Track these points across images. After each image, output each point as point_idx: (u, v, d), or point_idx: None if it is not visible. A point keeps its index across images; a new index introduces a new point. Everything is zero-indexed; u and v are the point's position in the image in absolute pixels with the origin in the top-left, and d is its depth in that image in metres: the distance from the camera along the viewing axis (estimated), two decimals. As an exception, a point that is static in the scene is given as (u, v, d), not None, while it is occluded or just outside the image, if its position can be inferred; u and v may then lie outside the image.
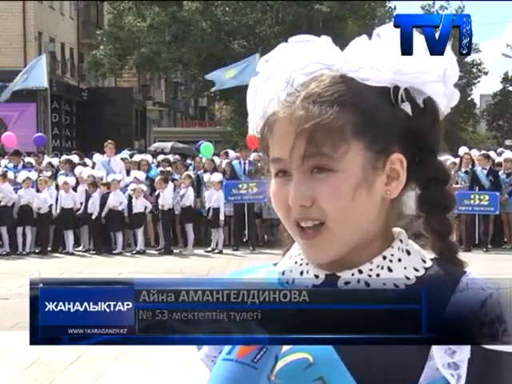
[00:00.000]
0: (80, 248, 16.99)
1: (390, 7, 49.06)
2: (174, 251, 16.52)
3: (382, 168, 1.28)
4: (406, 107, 1.29)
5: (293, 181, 1.26)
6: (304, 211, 1.26)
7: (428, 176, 1.32)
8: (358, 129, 1.25)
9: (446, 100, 1.34)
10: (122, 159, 18.44)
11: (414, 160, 1.32)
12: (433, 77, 1.30)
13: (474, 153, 18.15)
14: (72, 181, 17.01)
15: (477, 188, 16.50)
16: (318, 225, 1.26)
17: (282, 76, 1.32)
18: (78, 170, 17.67)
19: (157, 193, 16.74)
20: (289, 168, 1.27)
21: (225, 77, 23.80)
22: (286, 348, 1.24)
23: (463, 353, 1.23)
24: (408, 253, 1.33)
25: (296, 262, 1.35)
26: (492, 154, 18.66)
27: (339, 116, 1.24)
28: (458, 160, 17.44)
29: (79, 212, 16.80)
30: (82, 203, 16.83)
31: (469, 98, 64.85)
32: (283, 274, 1.36)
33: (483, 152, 17.93)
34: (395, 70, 1.28)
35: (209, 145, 19.39)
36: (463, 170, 16.88)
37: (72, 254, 16.50)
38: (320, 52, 1.32)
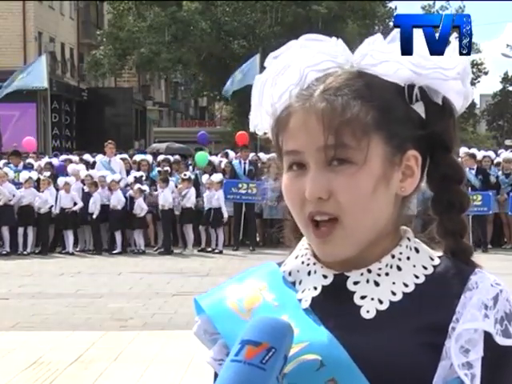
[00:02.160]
0: (78, 248, 17.02)
1: (391, 7, 49.01)
2: (175, 251, 16.54)
3: (398, 164, 1.27)
4: (419, 108, 1.29)
5: (309, 173, 1.24)
6: (320, 205, 1.24)
7: (442, 174, 1.31)
8: (378, 123, 1.24)
9: (463, 99, 1.33)
10: (121, 159, 18.45)
11: (428, 158, 1.31)
12: (453, 74, 1.29)
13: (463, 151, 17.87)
14: (72, 180, 17.00)
15: (469, 189, 16.42)
16: (333, 220, 1.24)
17: (294, 71, 1.31)
18: (70, 167, 17.64)
19: (156, 193, 16.75)
20: (305, 160, 1.25)
21: (234, 81, 23.86)
22: (297, 349, 1.23)
23: (477, 352, 1.22)
24: (416, 251, 1.31)
25: (303, 262, 1.33)
26: (491, 153, 18.63)
27: (361, 109, 1.24)
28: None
29: (70, 210, 16.73)
30: (75, 203, 16.80)
31: (469, 98, 64.75)
32: (290, 274, 1.34)
33: (468, 151, 17.68)
34: (417, 64, 1.27)
35: (203, 154, 18.69)
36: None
37: (72, 254, 16.50)
38: (333, 51, 1.31)
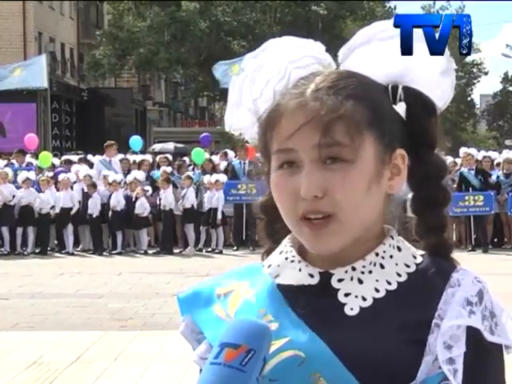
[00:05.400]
0: (78, 248, 17.02)
1: (390, 7, 49.05)
2: (174, 251, 16.55)
3: (388, 162, 1.29)
4: (401, 108, 1.30)
5: (303, 172, 1.25)
6: (314, 203, 1.24)
7: (426, 172, 1.33)
8: (370, 121, 1.26)
9: (442, 98, 1.36)
10: (121, 160, 18.40)
11: (413, 156, 1.32)
12: (437, 72, 1.32)
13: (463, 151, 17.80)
14: (73, 177, 16.98)
15: (470, 189, 16.42)
16: (327, 217, 1.25)
17: (273, 66, 1.33)
18: (74, 168, 17.63)
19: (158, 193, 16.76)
20: (299, 158, 1.26)
21: (231, 73, 23.53)
22: (278, 345, 1.24)
23: (459, 348, 1.23)
24: (399, 249, 1.32)
25: (287, 258, 1.35)
26: (492, 154, 18.62)
27: (354, 107, 1.25)
28: (458, 160, 17.42)
29: (73, 211, 16.74)
30: (80, 202, 16.81)
31: (469, 98, 64.88)
32: (269, 267, 1.36)
33: (466, 151, 17.72)
34: (402, 64, 1.31)
35: (200, 150, 18.68)
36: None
37: (72, 254, 16.50)
38: (310, 47, 1.34)
